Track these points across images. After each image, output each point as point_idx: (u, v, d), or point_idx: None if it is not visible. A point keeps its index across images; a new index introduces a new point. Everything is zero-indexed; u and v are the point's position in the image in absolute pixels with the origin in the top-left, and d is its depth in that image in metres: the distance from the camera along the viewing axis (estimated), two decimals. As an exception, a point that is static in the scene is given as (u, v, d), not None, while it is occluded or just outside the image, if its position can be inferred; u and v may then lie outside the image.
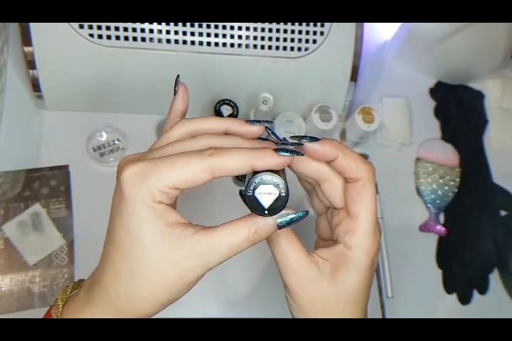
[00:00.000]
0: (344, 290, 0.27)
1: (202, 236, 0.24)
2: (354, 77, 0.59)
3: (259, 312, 0.55)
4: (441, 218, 0.65)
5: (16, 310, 0.50)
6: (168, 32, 0.53)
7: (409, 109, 0.68)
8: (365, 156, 0.64)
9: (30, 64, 0.52)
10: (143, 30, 0.52)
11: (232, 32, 0.54)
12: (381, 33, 0.73)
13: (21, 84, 0.58)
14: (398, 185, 0.65)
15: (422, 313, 0.60)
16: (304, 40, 0.56)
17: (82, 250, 0.53)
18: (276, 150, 0.25)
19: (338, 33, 0.57)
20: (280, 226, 0.26)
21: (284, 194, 0.25)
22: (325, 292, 0.27)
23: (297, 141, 0.27)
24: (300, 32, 0.56)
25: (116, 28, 0.52)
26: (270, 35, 0.55)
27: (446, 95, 0.71)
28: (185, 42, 0.54)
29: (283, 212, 0.25)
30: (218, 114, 0.55)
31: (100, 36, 0.52)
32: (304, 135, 0.28)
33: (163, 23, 0.53)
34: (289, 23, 0.55)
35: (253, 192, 0.25)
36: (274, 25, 0.55)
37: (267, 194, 0.25)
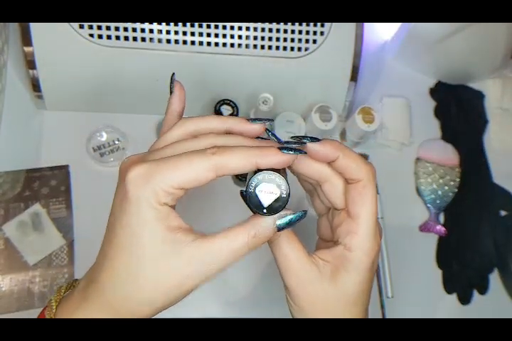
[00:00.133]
0: (344, 292, 0.27)
1: (202, 243, 0.24)
2: (354, 77, 0.59)
3: (259, 312, 0.55)
4: (441, 218, 0.65)
5: (16, 310, 0.50)
6: (168, 32, 0.53)
7: (409, 109, 0.68)
8: (365, 156, 0.64)
9: (30, 64, 0.52)
10: (143, 30, 0.52)
11: (232, 32, 0.54)
12: (381, 33, 0.72)
13: (21, 84, 0.58)
14: (398, 185, 0.65)
15: (422, 313, 0.60)
16: (304, 40, 0.56)
17: (82, 250, 0.53)
18: (280, 148, 0.25)
19: (338, 33, 0.57)
20: (279, 229, 0.25)
21: (284, 195, 0.25)
22: (325, 293, 0.27)
23: (298, 141, 0.27)
24: (300, 32, 0.56)
25: (116, 28, 0.52)
26: (270, 35, 0.55)
27: (446, 95, 0.71)
28: (185, 42, 0.54)
29: (281, 212, 0.25)
30: (218, 114, 0.55)
31: (100, 36, 0.52)
32: (304, 135, 0.28)
33: (163, 23, 0.53)
34: (289, 23, 0.55)
35: (254, 190, 0.25)
36: (274, 25, 0.55)
37: (267, 193, 0.25)
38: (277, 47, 0.56)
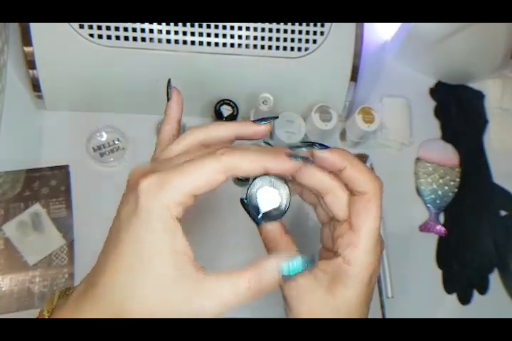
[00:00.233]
0: (341, 304, 0.27)
1: (204, 278, 0.24)
2: (354, 77, 0.59)
3: (259, 312, 0.55)
4: (441, 218, 0.65)
5: (16, 310, 0.50)
6: (168, 32, 0.53)
7: (409, 109, 0.68)
8: (365, 156, 0.64)
9: (30, 64, 0.52)
10: (143, 30, 0.52)
11: (232, 32, 0.54)
12: (381, 33, 0.72)
13: (21, 84, 0.58)
14: (398, 185, 0.65)
15: (422, 313, 0.60)
16: (304, 40, 0.56)
17: (82, 250, 0.53)
18: (289, 154, 0.25)
19: (338, 33, 0.57)
20: (285, 278, 0.25)
21: (284, 206, 0.24)
22: (324, 304, 0.27)
23: (309, 144, 0.27)
24: (300, 32, 0.56)
25: (116, 28, 0.52)
26: (270, 35, 0.55)
27: (446, 95, 0.71)
28: (185, 42, 0.54)
29: (288, 256, 0.24)
30: (218, 114, 0.55)
31: (100, 36, 0.52)
32: (313, 142, 0.28)
33: (163, 23, 0.53)
34: (289, 23, 0.55)
35: (256, 191, 0.24)
36: (274, 25, 0.55)
37: (268, 198, 0.24)
38: (277, 47, 0.56)
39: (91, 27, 0.51)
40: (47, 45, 0.52)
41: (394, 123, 0.66)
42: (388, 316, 0.58)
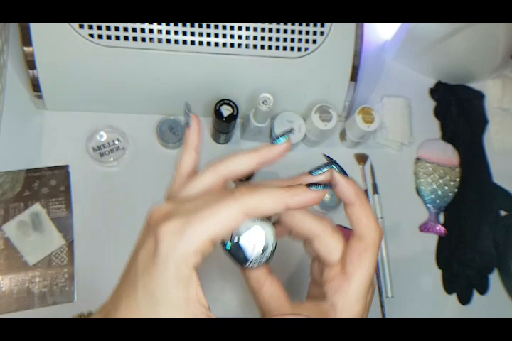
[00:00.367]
0: None
1: None
2: (354, 77, 0.59)
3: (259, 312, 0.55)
4: (441, 218, 0.65)
5: (16, 310, 0.50)
6: (168, 32, 0.53)
7: (409, 109, 0.68)
8: (365, 156, 0.64)
9: (30, 64, 0.52)
10: (143, 30, 0.52)
11: (232, 32, 0.54)
12: (381, 33, 0.73)
13: (21, 84, 0.58)
14: (398, 185, 0.65)
15: (422, 313, 0.60)
16: (304, 40, 0.56)
17: (82, 250, 0.53)
18: (307, 185, 0.24)
19: (338, 33, 0.57)
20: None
21: (270, 249, 0.24)
22: None
23: (327, 164, 0.27)
24: (300, 32, 0.56)
25: (116, 28, 0.52)
26: (270, 35, 0.55)
27: (446, 95, 0.71)
28: (185, 42, 0.54)
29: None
30: (218, 114, 0.55)
31: (100, 36, 0.52)
32: (331, 159, 0.27)
33: (163, 23, 0.53)
34: (289, 23, 0.55)
35: (238, 240, 0.23)
36: (274, 25, 0.55)
37: (254, 242, 0.23)
38: (277, 47, 0.56)
39: (91, 27, 0.51)
40: (47, 45, 0.52)
41: (394, 123, 0.66)
42: (388, 316, 0.58)
